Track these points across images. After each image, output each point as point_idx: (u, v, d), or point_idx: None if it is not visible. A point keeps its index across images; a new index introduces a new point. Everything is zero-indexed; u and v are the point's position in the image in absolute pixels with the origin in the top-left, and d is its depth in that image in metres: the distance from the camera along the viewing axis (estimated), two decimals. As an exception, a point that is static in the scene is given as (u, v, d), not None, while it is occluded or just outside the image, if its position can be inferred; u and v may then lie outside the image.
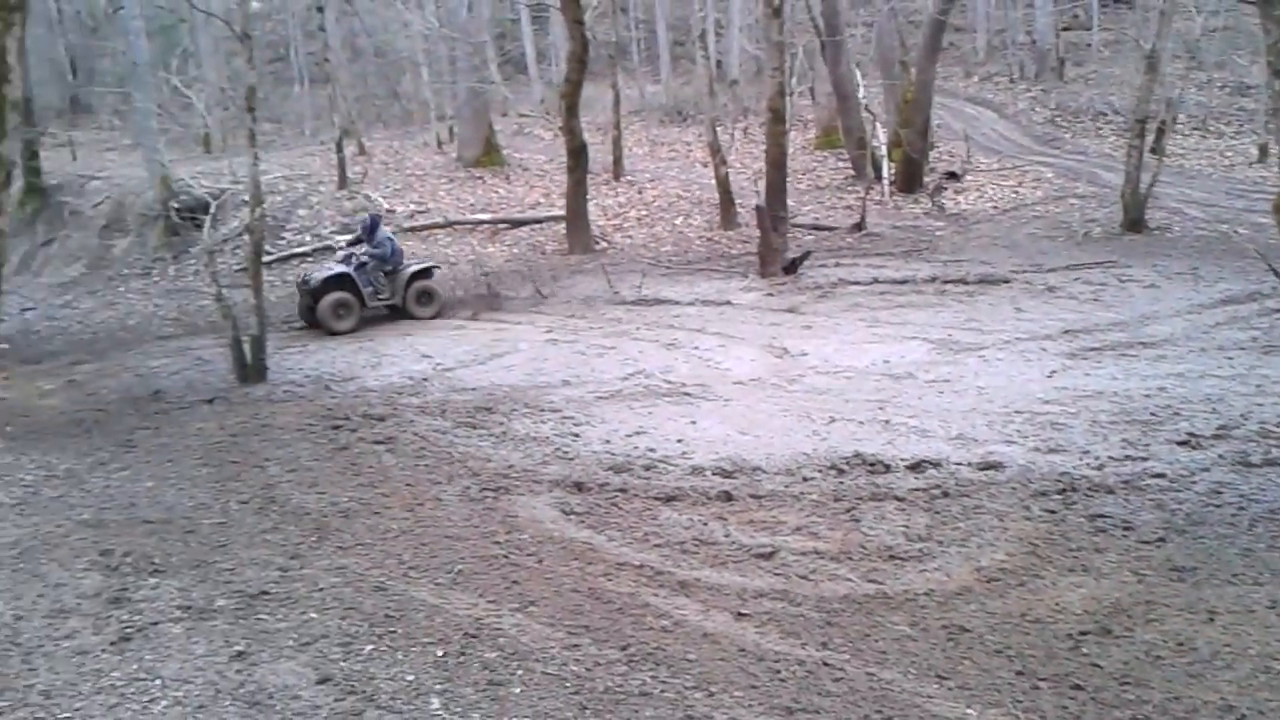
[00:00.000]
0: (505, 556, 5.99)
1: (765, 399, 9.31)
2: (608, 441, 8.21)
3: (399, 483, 7.41)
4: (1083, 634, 4.75)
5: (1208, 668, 4.40)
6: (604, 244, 18.65)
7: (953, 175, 21.86)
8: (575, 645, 4.87)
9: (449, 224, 19.83)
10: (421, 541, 6.27)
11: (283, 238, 19.24)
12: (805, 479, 7.16)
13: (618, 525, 6.45)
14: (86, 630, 5.06)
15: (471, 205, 21.07)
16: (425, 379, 10.60)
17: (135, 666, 4.66)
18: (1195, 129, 25.12)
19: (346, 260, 14.07)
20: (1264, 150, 21.83)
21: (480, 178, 22.54)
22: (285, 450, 8.28)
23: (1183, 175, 21.12)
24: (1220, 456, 7.13)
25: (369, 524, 6.60)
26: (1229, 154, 23.32)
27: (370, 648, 4.91)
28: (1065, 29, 32.78)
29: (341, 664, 4.76)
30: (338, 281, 13.73)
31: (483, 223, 19.97)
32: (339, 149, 21.85)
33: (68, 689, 4.47)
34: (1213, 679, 4.31)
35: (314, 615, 5.28)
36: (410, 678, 4.62)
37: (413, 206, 20.84)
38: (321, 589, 5.59)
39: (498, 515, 6.68)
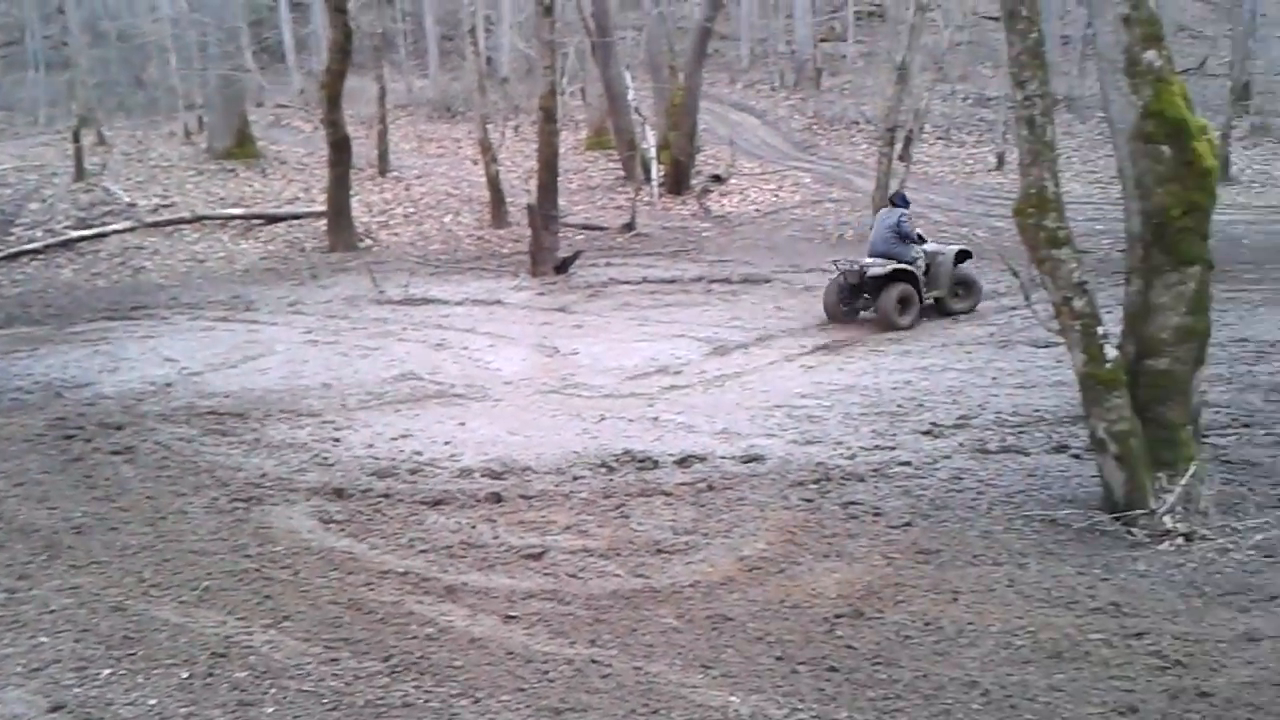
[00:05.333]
0: (257, 570, 5.66)
1: (536, 399, 9.23)
2: (371, 446, 7.92)
3: (139, 495, 6.91)
4: (838, 617, 4.91)
5: (953, 645, 4.62)
6: (368, 242, 18.10)
7: (718, 178, 22.48)
8: (334, 659, 4.64)
9: (197, 219, 18.70)
10: (164, 557, 5.86)
11: (11, 233, 17.63)
12: (575, 477, 7.12)
13: (381, 532, 6.21)
14: None
15: (223, 199, 20.02)
16: (169, 384, 9.90)
17: None
18: (940, 138, 26.86)
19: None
20: (1002, 158, 23.55)
21: (233, 170, 21.46)
22: (11, 463, 7.58)
23: (928, 181, 22.51)
24: (960, 444, 7.58)
25: (105, 540, 6.12)
26: (970, 162, 25.06)
27: (108, 671, 4.57)
28: (823, 40, 34.39)
29: (76, 690, 4.41)
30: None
31: (235, 218, 18.95)
32: (76, 138, 20.38)
33: None
34: (958, 656, 4.53)
35: (44, 639, 4.86)
36: (153, 702, 4.32)
37: (157, 200, 19.57)
38: (53, 610, 5.17)
39: (249, 527, 6.31)
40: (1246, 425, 7.72)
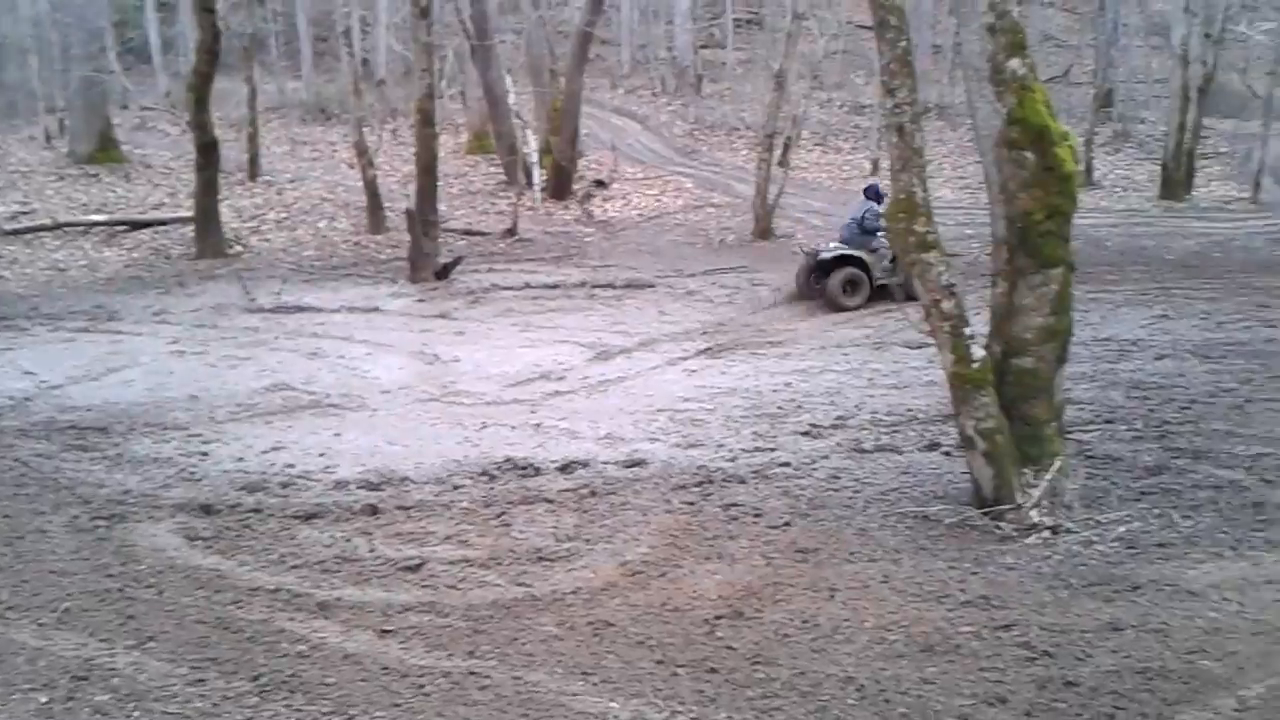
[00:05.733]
0: (120, 590, 5.43)
1: (415, 407, 9.07)
2: (241, 459, 7.65)
3: (-5, 514, 6.55)
4: (718, 618, 4.92)
5: (830, 642, 4.68)
6: (239, 248, 17.54)
7: (600, 183, 22.49)
8: (200, 680, 4.48)
9: (58, 226, 17.86)
10: (22, 579, 5.59)
11: None
12: (456, 487, 7.01)
13: (250, 549, 6.00)
14: None
15: (85, 205, 19.20)
16: (28, 398, 9.42)
17: None
18: (817, 144, 27.36)
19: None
20: (876, 164, 24.09)
21: (96, 175, 20.60)
22: None
23: (806, 187, 22.88)
24: (838, 444, 7.72)
25: (-42, 563, 5.79)
26: (846, 168, 25.57)
27: (-38, 698, 4.34)
28: (703, 47, 34.71)
29: (-71, 718, 4.19)
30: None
31: (98, 224, 18.17)
32: (-72, 142, 19.30)
33: None
34: (834, 653, 4.59)
35: (-106, 666, 4.58)
36: (10, 729, 4.14)
37: (15, 207, 18.66)
38: (-96, 635, 4.89)
39: (111, 546, 6.03)
40: (1109, 421, 8.03)
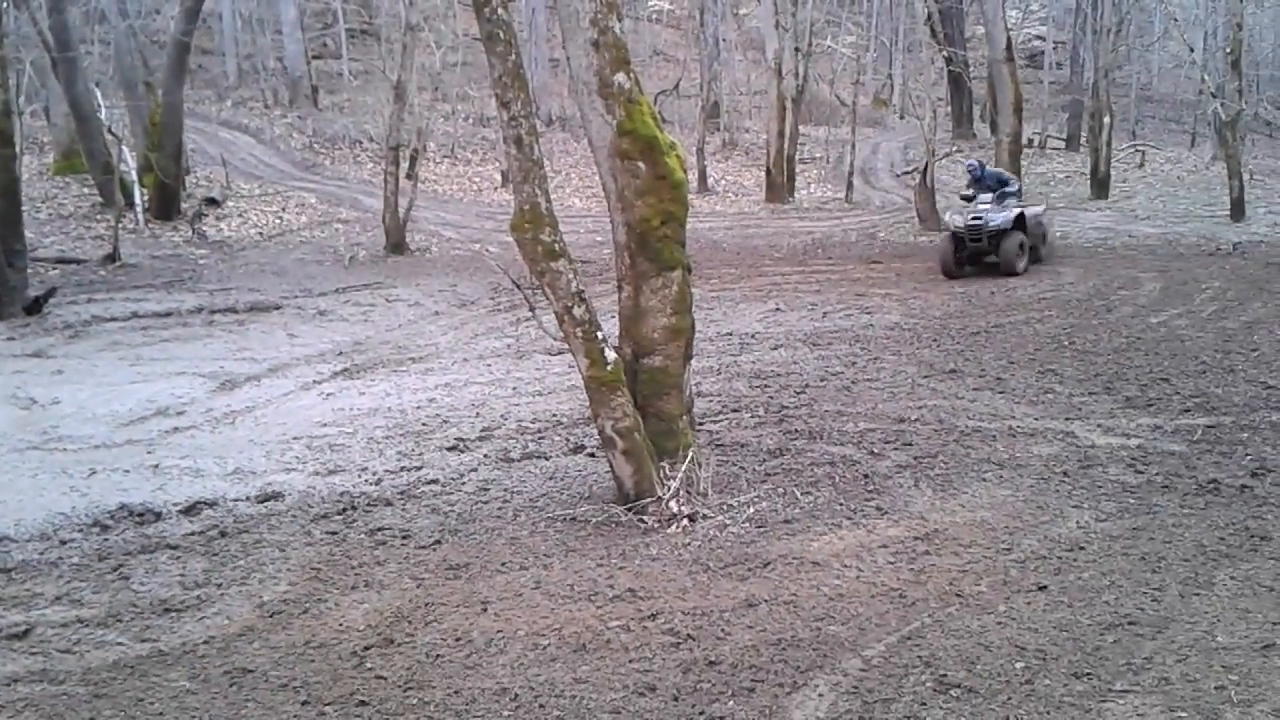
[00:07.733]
0: None
1: (11, 458, 8.03)
2: None
3: None
4: (366, 649, 4.73)
5: (483, 657, 4.63)
6: None
7: (213, 201, 21.18)
8: None
9: None
10: None
11: None
12: (63, 542, 6.30)
13: None
14: None
15: None
16: None
17: None
18: (445, 157, 27.31)
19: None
20: (505, 176, 24.40)
21: None
22: None
23: (438, 200, 22.77)
24: (486, 456, 7.69)
25: None
26: (477, 180, 25.72)
27: None
28: (316, 57, 33.59)
29: None
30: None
31: None
32: None
33: None
34: (488, 666, 4.54)
35: None
36: None
37: None
38: None
39: None
40: (735, 410, 8.58)
